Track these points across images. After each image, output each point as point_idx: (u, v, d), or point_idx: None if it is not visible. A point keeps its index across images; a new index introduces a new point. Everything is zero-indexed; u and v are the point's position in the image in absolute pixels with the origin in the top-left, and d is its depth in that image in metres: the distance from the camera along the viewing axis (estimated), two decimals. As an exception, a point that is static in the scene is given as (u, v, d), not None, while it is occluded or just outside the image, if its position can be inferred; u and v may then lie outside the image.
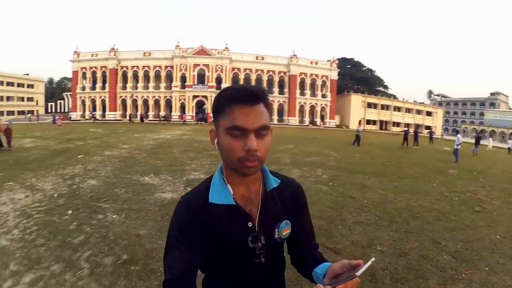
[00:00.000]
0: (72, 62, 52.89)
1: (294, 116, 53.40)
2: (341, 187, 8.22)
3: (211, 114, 1.02)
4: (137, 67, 51.33)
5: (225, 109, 0.94)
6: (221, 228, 1.00)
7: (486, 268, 3.99)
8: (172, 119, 47.92)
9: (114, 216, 5.49)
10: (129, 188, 7.46)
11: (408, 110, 66.89)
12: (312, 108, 55.15)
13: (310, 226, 1.21)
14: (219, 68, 49.84)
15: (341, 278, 0.83)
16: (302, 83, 54.50)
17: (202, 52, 49.88)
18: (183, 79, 49.89)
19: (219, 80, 49.91)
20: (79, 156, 12.09)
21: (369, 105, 61.49)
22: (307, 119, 54.20)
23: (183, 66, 49.76)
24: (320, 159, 13.03)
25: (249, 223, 1.03)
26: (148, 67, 51.20)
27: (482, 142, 27.24)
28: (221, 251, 1.03)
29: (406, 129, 26.59)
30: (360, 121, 22.55)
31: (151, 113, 50.90)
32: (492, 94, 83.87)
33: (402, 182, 9.12)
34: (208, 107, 48.47)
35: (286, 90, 53.83)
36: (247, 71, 52.04)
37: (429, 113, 70.28)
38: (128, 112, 49.80)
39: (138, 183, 7.96)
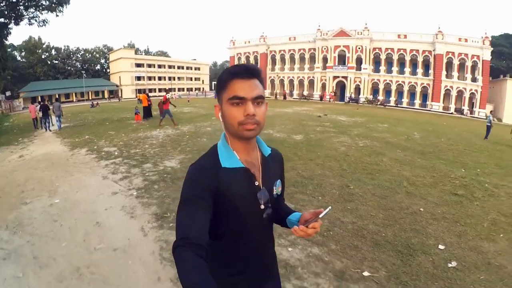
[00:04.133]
0: (229, 49, 70.08)
1: (438, 101, 50.39)
2: (353, 150, 11.02)
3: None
4: (284, 50, 62.17)
5: (227, 84, 1.23)
6: (235, 187, 1.25)
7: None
8: (313, 98, 56.15)
9: (204, 140, 12.28)
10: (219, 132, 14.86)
11: None
12: (460, 93, 50.58)
13: (284, 185, 1.57)
14: (359, 48, 54.00)
15: (309, 221, 1.25)
16: (449, 64, 50.70)
17: (342, 33, 55.12)
18: (325, 60, 57.05)
19: (359, 61, 54.48)
20: (212, 118, 20.30)
21: None
22: (452, 106, 50.28)
23: (325, 48, 56.70)
24: (387, 136, 15.12)
25: (256, 182, 1.32)
26: (294, 50, 61.00)
27: None
28: (235, 210, 1.26)
29: None
30: (491, 111, 17.24)
31: (295, 92, 61.27)
32: None
33: (429, 161, 10.19)
34: (348, 87, 54.45)
35: (431, 71, 51.51)
36: (389, 51, 53.21)
37: None
38: (275, 91, 61.30)
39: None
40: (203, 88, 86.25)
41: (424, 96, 52.93)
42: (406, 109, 48.93)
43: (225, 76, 1.24)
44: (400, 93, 54.03)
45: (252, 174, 1.31)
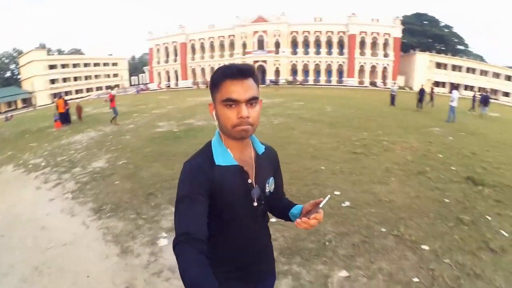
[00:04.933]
0: (148, 40, 68.94)
1: (352, 77, 56.36)
2: (267, 129, 12.53)
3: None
4: (203, 39, 62.76)
5: (219, 85, 1.24)
6: (229, 185, 1.30)
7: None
8: None
9: (127, 138, 12.81)
10: (146, 127, 15.26)
11: (485, 73, 61.04)
12: (373, 68, 57.51)
13: (281, 180, 1.63)
14: (277, 33, 56.85)
15: (311, 212, 1.29)
16: (362, 43, 57.06)
17: (260, 19, 57.66)
18: (244, 46, 59.06)
19: (278, 45, 57.41)
20: (134, 115, 20.62)
21: (439, 65, 59.99)
22: (367, 80, 56.22)
23: (244, 34, 58.54)
24: (301, 112, 17.28)
25: (249, 180, 1.36)
26: (213, 38, 62.00)
27: None
28: (228, 207, 1.32)
29: (422, 87, 22.03)
30: (395, 82, 20.99)
31: None
32: None
33: (335, 129, 12.12)
34: (269, 71, 57.16)
35: (345, 50, 57.22)
36: (306, 34, 57.66)
37: (509, 78, 60.76)
38: (197, 80, 61.94)
39: (153, 124, 15.76)
40: (122, 85, 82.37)
41: (340, 73, 57.64)
42: (324, 86, 52.51)
43: (218, 77, 1.25)
44: (317, 72, 57.75)
45: (245, 172, 1.36)
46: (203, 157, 1.33)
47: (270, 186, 1.45)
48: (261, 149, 1.47)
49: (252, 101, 1.23)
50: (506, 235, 4.55)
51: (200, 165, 1.28)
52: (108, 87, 67.08)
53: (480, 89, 51.44)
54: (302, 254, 3.89)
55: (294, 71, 58.63)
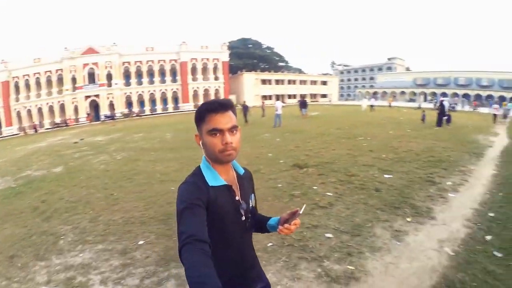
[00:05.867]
0: None
1: (187, 102, 60.85)
2: (112, 165, 12.13)
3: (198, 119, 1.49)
4: (28, 75, 54.30)
5: (205, 118, 1.44)
6: (221, 202, 1.45)
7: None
8: (67, 124, 51.94)
9: None
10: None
11: (304, 82, 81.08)
12: (206, 91, 63.48)
13: (255, 198, 1.78)
14: (108, 64, 56.15)
15: (290, 220, 1.52)
16: (194, 69, 62.53)
17: (91, 50, 55.52)
18: (74, 81, 55.04)
19: (110, 77, 56.61)
20: None
21: (264, 81, 72.79)
22: (202, 103, 60.72)
23: (73, 68, 54.59)
24: (142, 143, 17.80)
25: (236, 197, 1.55)
26: (39, 73, 54.69)
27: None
28: (221, 222, 1.46)
29: (244, 103, 27.11)
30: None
31: (47, 121, 54.78)
32: (389, 59, 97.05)
33: (178, 153, 13.03)
34: (102, 105, 55.83)
35: (178, 77, 61.71)
36: (138, 64, 58.76)
37: (324, 83, 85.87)
38: (23, 124, 53.22)
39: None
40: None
41: (176, 100, 61.99)
42: (161, 115, 55.46)
43: (204, 112, 1.46)
44: (153, 101, 60.55)
45: (233, 190, 1.54)
46: (197, 178, 1.48)
47: (252, 202, 1.69)
48: (241, 170, 1.68)
49: (233, 129, 1.45)
50: (331, 194, 6.28)
51: (197, 183, 1.44)
52: None
53: (301, 96, 66.58)
54: (174, 259, 4.40)
55: (129, 103, 58.93)
